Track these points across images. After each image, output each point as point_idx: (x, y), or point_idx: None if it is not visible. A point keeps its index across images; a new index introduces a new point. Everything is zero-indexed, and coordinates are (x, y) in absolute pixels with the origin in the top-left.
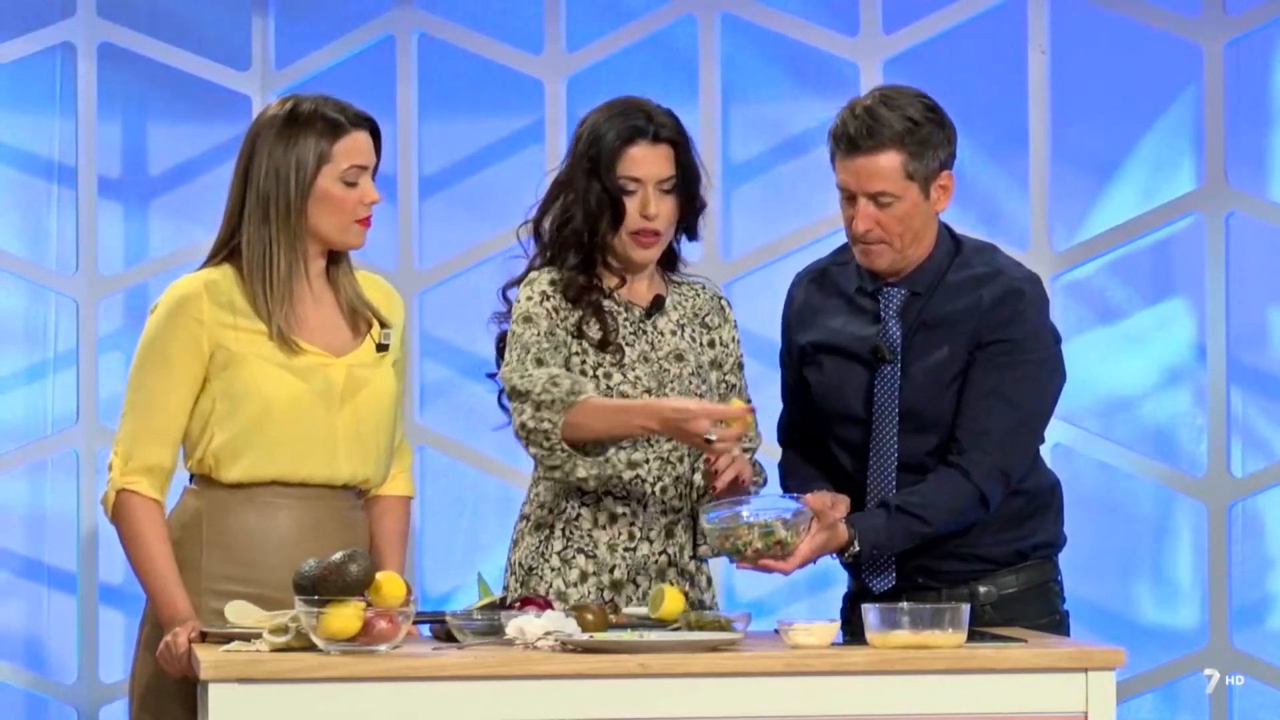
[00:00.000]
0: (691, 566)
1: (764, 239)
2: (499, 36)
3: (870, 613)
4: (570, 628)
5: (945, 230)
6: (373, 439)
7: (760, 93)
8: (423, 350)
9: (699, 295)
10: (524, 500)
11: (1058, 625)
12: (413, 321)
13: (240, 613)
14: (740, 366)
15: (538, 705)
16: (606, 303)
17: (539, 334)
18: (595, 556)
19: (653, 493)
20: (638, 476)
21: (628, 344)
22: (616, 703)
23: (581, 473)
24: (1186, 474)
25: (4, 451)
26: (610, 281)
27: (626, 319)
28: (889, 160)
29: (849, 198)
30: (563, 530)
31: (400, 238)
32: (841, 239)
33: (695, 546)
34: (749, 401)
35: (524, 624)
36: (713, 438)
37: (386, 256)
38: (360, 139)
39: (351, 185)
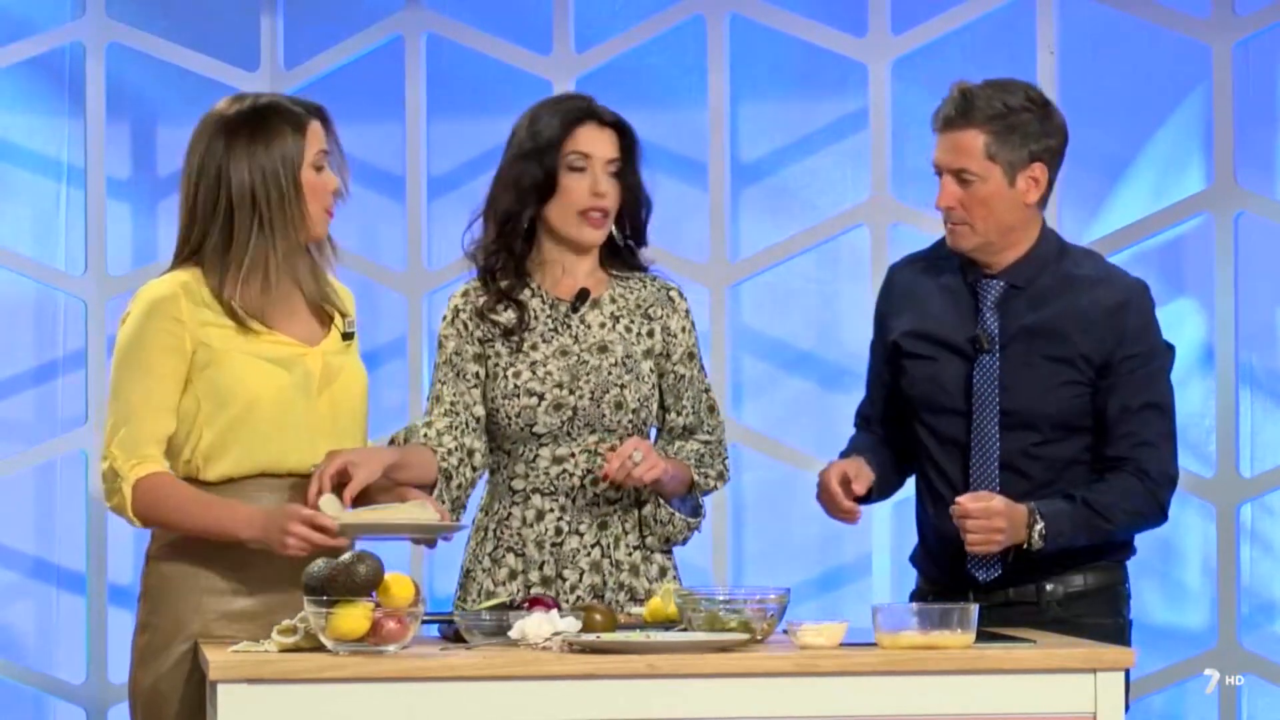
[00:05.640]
0: (636, 557)
1: (772, 239)
2: (508, 37)
3: (879, 613)
4: (574, 628)
5: (1054, 234)
6: (349, 428)
7: (769, 93)
8: (431, 351)
9: (645, 288)
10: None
11: (1121, 630)
12: (421, 322)
13: (332, 505)
14: (691, 356)
15: (546, 706)
16: (532, 300)
17: (443, 361)
18: (523, 555)
19: (581, 486)
20: (564, 470)
21: (545, 339)
22: (625, 703)
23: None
24: (1196, 474)
25: (13, 452)
26: (541, 277)
27: (550, 315)
28: (972, 138)
29: (938, 173)
30: (494, 531)
31: (409, 238)
32: (848, 243)
33: (643, 537)
34: (708, 395)
35: (527, 625)
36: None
37: (395, 257)
38: (317, 127)
39: (319, 170)
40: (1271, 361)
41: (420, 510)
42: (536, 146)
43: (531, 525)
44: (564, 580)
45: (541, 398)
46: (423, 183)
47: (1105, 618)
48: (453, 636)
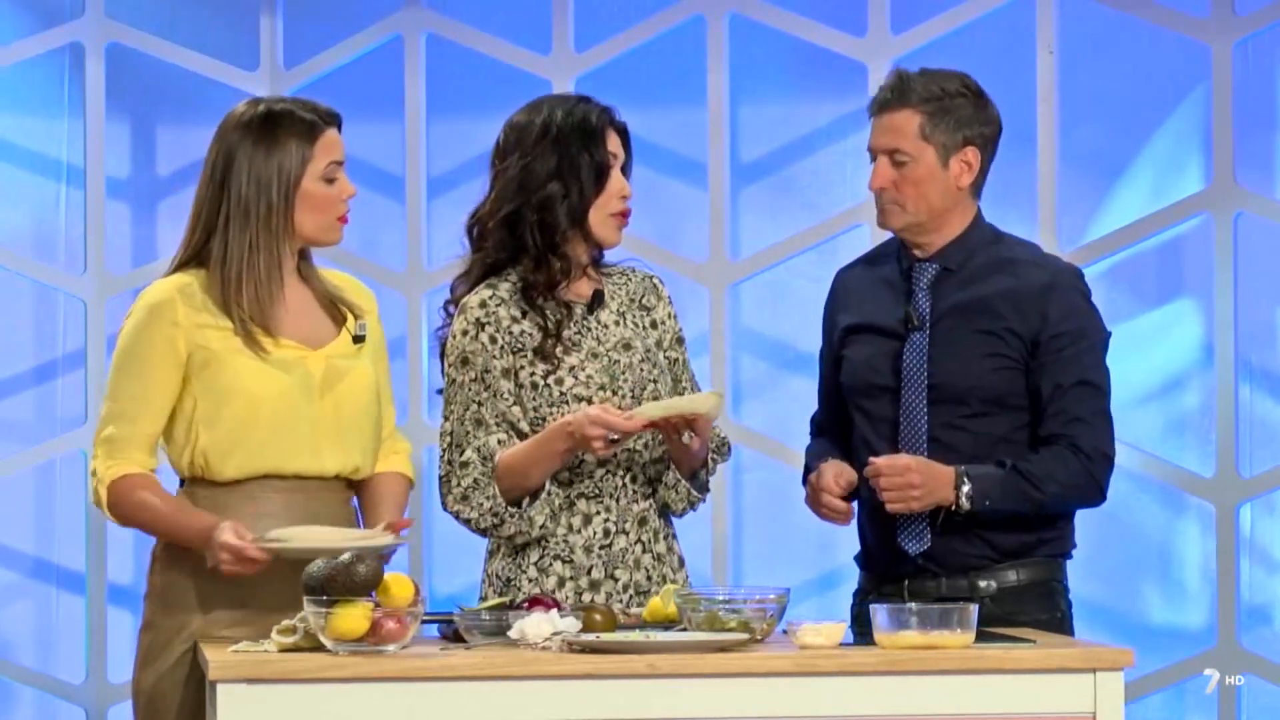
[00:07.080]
0: (663, 547)
1: (771, 239)
2: (508, 37)
3: (879, 613)
4: (574, 628)
5: (989, 224)
6: (354, 429)
7: (768, 93)
8: (431, 351)
9: (631, 280)
10: None
11: (1059, 624)
12: (420, 322)
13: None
14: (680, 341)
15: (546, 706)
16: (549, 306)
17: (473, 379)
18: (572, 561)
19: (623, 484)
20: (608, 472)
21: (574, 344)
22: (625, 703)
23: (540, 519)
24: (1195, 474)
25: (13, 452)
26: (552, 283)
27: (570, 319)
28: (906, 119)
29: (874, 158)
30: (538, 541)
31: (409, 239)
32: (848, 242)
33: (666, 509)
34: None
35: (527, 625)
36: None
37: (395, 257)
38: (333, 135)
39: (331, 182)
40: (1271, 361)
41: (363, 534)
42: (586, 133)
43: (579, 531)
44: (615, 580)
45: (589, 402)
46: (422, 183)
47: (1042, 613)
48: (452, 636)
